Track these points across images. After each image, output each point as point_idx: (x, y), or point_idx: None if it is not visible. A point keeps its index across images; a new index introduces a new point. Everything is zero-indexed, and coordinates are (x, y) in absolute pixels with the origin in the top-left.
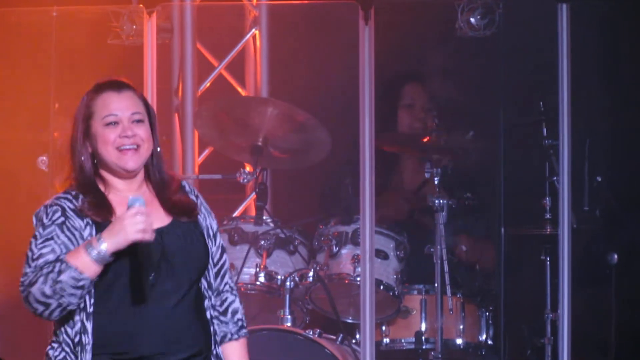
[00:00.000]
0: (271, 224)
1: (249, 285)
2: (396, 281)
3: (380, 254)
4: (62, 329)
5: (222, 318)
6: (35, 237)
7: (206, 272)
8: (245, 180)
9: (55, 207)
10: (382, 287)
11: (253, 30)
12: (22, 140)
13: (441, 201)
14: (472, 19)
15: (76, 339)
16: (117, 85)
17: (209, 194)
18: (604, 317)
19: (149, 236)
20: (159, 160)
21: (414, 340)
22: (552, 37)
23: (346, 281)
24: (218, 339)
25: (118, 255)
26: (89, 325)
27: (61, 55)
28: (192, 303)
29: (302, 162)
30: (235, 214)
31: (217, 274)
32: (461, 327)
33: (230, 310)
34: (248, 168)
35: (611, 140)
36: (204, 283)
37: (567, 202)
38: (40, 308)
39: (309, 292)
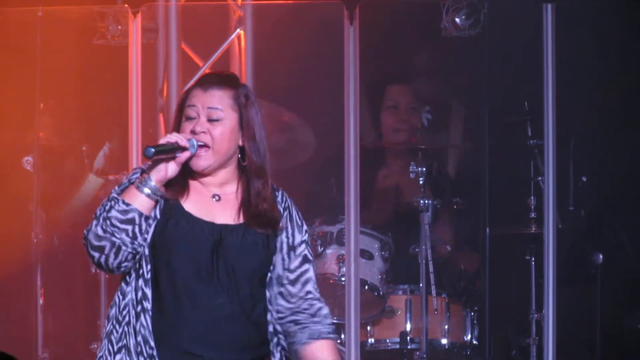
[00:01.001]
0: None
1: None
2: (381, 281)
3: (365, 254)
4: (123, 296)
5: (314, 319)
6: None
7: (272, 285)
8: None
9: (136, 170)
10: (367, 287)
11: (238, 30)
12: (7, 140)
13: (426, 201)
14: (457, 19)
15: (138, 306)
16: (206, 82)
17: None
18: (589, 317)
19: (183, 142)
20: (254, 162)
21: (399, 340)
22: (537, 37)
23: (331, 281)
24: (304, 338)
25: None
26: (148, 292)
27: (46, 55)
28: (244, 309)
29: (287, 162)
30: None
31: (295, 281)
32: (446, 327)
33: (322, 314)
34: None
35: (596, 140)
36: (267, 295)
37: (552, 202)
38: (97, 255)
39: None
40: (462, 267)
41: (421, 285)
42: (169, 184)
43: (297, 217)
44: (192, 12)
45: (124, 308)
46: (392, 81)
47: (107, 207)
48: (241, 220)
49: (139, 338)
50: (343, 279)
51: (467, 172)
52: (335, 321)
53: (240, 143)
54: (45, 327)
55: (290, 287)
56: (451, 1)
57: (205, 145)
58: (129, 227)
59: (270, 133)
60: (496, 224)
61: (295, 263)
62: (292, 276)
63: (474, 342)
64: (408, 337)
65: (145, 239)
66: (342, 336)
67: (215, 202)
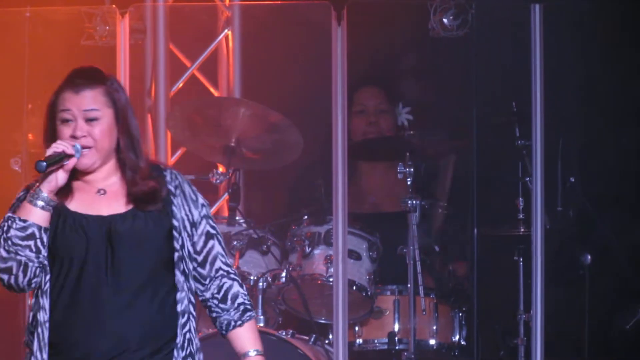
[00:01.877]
0: (244, 225)
1: None
2: (369, 282)
3: (353, 255)
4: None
5: (222, 306)
6: None
7: (179, 263)
8: (218, 181)
9: (21, 192)
10: (354, 288)
11: (225, 30)
12: None
13: (414, 202)
14: (444, 20)
15: (35, 319)
16: (75, 83)
17: None
18: (577, 318)
19: (69, 150)
20: (128, 147)
21: (387, 340)
22: (525, 37)
23: (319, 282)
24: (222, 329)
25: (72, 245)
26: (45, 302)
27: (34, 55)
28: (152, 296)
29: (274, 163)
30: None
31: (203, 262)
32: (434, 327)
33: (229, 296)
34: (221, 169)
35: (584, 141)
36: (177, 275)
37: (540, 203)
38: (5, 277)
39: (282, 292)
40: (450, 267)
41: (409, 285)
42: (56, 192)
43: (191, 192)
44: (179, 12)
45: (33, 319)
46: (359, 85)
47: (4, 228)
48: (128, 206)
49: (36, 352)
50: (331, 279)
51: (455, 172)
52: (323, 321)
53: (114, 138)
54: None
55: (200, 270)
56: (439, 1)
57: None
58: (31, 242)
59: (258, 134)
60: (484, 225)
61: (200, 243)
62: (200, 258)
63: (462, 342)
64: (396, 338)
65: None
66: (330, 336)
67: (101, 197)
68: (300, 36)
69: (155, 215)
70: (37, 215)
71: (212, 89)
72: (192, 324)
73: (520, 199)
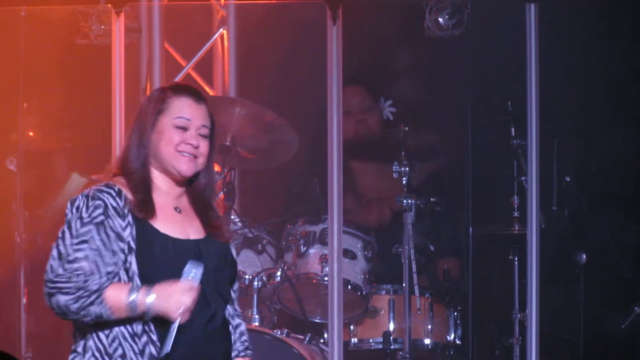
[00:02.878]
0: (239, 224)
1: None
2: (364, 281)
3: (348, 254)
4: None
5: (234, 335)
6: (70, 229)
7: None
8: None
9: (97, 202)
10: (350, 287)
11: (221, 30)
12: None
13: (409, 201)
14: (440, 19)
15: (110, 348)
16: (196, 94)
17: None
18: (572, 317)
19: (185, 317)
20: (211, 178)
21: (382, 340)
22: (520, 37)
23: (314, 281)
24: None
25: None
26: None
27: (30, 55)
28: (222, 323)
29: (269, 162)
30: None
31: (233, 300)
32: (429, 327)
33: (238, 330)
34: (216, 168)
35: (580, 140)
36: (228, 308)
37: (535, 202)
38: (59, 312)
39: (277, 291)
40: (445, 267)
41: (404, 285)
42: (141, 206)
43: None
44: (175, 11)
45: (113, 340)
46: (343, 85)
47: (90, 298)
48: (204, 232)
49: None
50: (326, 278)
51: (450, 172)
52: (318, 320)
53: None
54: (28, 327)
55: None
56: (434, 1)
57: (193, 158)
58: (102, 319)
59: (253, 133)
60: (479, 224)
61: (235, 286)
62: (233, 295)
63: (457, 342)
64: (391, 337)
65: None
66: (325, 336)
67: (179, 215)
68: (296, 35)
69: (220, 244)
70: (124, 315)
71: (207, 88)
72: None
73: (516, 198)
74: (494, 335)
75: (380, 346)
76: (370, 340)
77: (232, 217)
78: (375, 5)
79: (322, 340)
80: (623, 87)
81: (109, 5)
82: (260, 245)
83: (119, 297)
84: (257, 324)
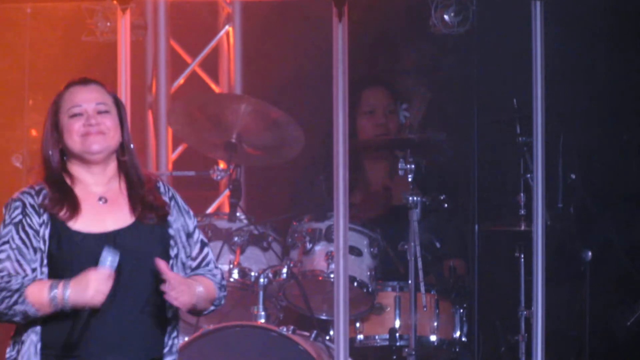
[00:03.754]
0: (245, 221)
1: None
2: (370, 278)
3: (354, 251)
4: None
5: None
6: None
7: (177, 271)
8: (219, 177)
9: (17, 203)
10: (355, 284)
11: (226, 27)
12: None
13: (415, 198)
14: (445, 16)
15: (24, 337)
16: (83, 80)
17: (183, 190)
18: (577, 314)
19: (98, 301)
20: (132, 156)
21: (387, 337)
22: (526, 34)
23: (320, 278)
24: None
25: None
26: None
27: (35, 52)
28: (152, 310)
29: (275, 159)
30: (209, 211)
31: (197, 267)
32: (435, 324)
33: (217, 275)
34: (222, 165)
35: (585, 137)
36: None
37: (541, 199)
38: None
39: (283, 288)
40: (451, 264)
41: (410, 282)
42: (60, 204)
43: (183, 203)
44: (180, 8)
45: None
46: (367, 85)
47: (13, 298)
48: (132, 218)
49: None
50: (332, 275)
51: (456, 169)
52: (324, 317)
53: (119, 139)
54: None
55: (195, 272)
56: None
57: (100, 133)
58: (30, 319)
59: (259, 130)
60: (485, 221)
61: (195, 250)
62: (194, 264)
63: (463, 339)
64: (397, 334)
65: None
66: (331, 332)
67: (102, 206)
68: (301, 33)
69: (152, 226)
70: (48, 311)
71: (213, 85)
72: (178, 328)
73: (522, 195)
74: (500, 332)
75: (386, 343)
76: (376, 337)
77: (237, 214)
78: (380, 2)
79: (327, 337)
80: (629, 84)
81: (115, 2)
82: (266, 242)
83: (40, 294)
84: (263, 320)
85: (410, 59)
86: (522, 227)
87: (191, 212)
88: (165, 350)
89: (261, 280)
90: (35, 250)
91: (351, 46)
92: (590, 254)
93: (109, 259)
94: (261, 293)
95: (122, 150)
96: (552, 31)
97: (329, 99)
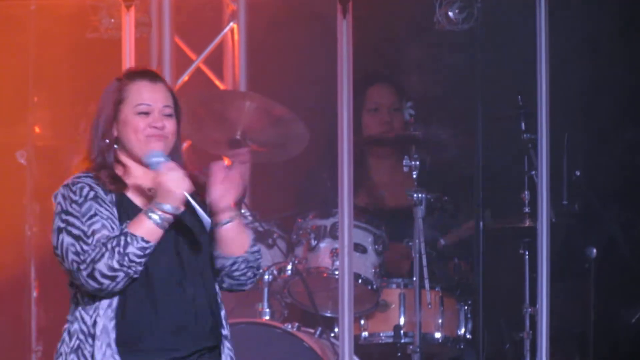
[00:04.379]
0: (249, 218)
1: None
2: (374, 275)
3: (359, 248)
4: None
5: None
6: (69, 214)
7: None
8: None
9: (80, 184)
10: (360, 281)
11: (231, 24)
12: (1, 134)
13: (420, 195)
14: (450, 13)
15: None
16: (152, 76)
17: None
18: (582, 312)
19: (187, 187)
20: (180, 156)
21: (392, 334)
22: (530, 30)
23: (324, 275)
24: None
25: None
26: (114, 300)
27: (40, 49)
28: (210, 292)
29: (280, 156)
30: None
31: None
32: (440, 321)
33: None
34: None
35: (590, 134)
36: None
37: (545, 196)
38: (107, 282)
39: (288, 285)
40: (455, 261)
41: (415, 279)
42: (113, 180)
43: None
44: (185, 5)
45: (81, 319)
46: (373, 82)
47: (121, 243)
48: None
49: (104, 350)
50: (336, 272)
51: (460, 166)
52: (329, 314)
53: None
54: (38, 320)
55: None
56: None
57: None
58: (145, 260)
59: (264, 127)
60: (490, 218)
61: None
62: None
63: (468, 336)
64: (402, 331)
65: None
66: (336, 330)
67: (152, 194)
68: (306, 29)
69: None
70: (158, 236)
71: (217, 82)
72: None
73: (526, 192)
74: (504, 329)
75: (391, 340)
76: (381, 334)
77: (242, 211)
78: None
79: (332, 334)
80: (634, 81)
81: None
82: (270, 239)
83: (140, 222)
84: (267, 317)
85: (414, 55)
86: (527, 224)
87: None
88: (224, 332)
89: (266, 277)
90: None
91: (355, 43)
92: (595, 251)
93: (159, 158)
94: (266, 290)
95: (174, 152)
96: (556, 27)
97: (334, 96)
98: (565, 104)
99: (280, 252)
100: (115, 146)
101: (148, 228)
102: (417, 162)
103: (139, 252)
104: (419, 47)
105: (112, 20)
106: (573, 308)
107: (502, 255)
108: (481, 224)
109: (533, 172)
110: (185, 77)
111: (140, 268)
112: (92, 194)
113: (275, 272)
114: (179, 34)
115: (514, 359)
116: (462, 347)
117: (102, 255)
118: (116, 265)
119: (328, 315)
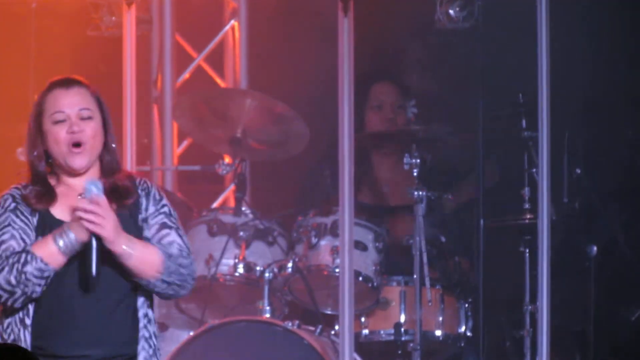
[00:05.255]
0: (250, 215)
1: (228, 277)
2: (375, 272)
3: (359, 246)
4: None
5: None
6: None
7: None
8: (224, 172)
9: (5, 196)
10: (361, 279)
11: (232, 21)
12: (1, 131)
13: (420, 193)
14: (451, 11)
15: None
16: (66, 82)
17: (188, 185)
18: (582, 309)
19: (103, 231)
20: (113, 157)
21: (393, 331)
22: (531, 28)
23: (325, 272)
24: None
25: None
26: (31, 308)
27: (40, 46)
28: (124, 300)
29: (280, 154)
30: (214, 205)
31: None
32: (440, 318)
33: (171, 248)
34: (227, 159)
35: (590, 132)
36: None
37: (546, 194)
38: (5, 296)
39: (288, 283)
40: (456, 258)
41: (415, 276)
42: (40, 197)
43: (157, 194)
44: (186, 3)
45: (7, 326)
46: (376, 79)
47: (21, 260)
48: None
49: None
50: (337, 270)
51: (461, 164)
52: (329, 312)
53: (102, 142)
54: None
55: None
56: None
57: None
58: (44, 282)
59: (264, 125)
60: (490, 216)
61: (152, 231)
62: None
63: (468, 333)
64: (402, 329)
65: None
66: (336, 327)
67: (82, 200)
68: (307, 27)
69: (127, 215)
70: (59, 261)
71: (218, 80)
72: (152, 328)
73: (527, 190)
74: (505, 327)
75: (391, 338)
76: (381, 332)
77: (243, 208)
78: None
79: (333, 332)
80: (635, 79)
81: None
82: (271, 237)
83: (45, 244)
84: (268, 315)
85: (414, 54)
86: (527, 222)
87: (162, 202)
88: (139, 347)
89: (266, 274)
90: (33, 232)
91: (356, 41)
92: (595, 249)
93: (92, 188)
94: (266, 288)
95: (105, 151)
96: (557, 25)
97: (335, 94)
98: (566, 102)
99: (280, 249)
100: (50, 160)
101: (50, 251)
102: (418, 160)
103: (36, 273)
104: (419, 45)
105: (113, 18)
106: (573, 306)
107: (502, 253)
108: (482, 221)
109: (534, 170)
110: (186, 75)
111: (39, 289)
112: (12, 205)
113: (275, 269)
114: (179, 32)
115: (515, 357)
116: (462, 344)
117: (2, 269)
118: (13, 281)
119: (328, 312)
